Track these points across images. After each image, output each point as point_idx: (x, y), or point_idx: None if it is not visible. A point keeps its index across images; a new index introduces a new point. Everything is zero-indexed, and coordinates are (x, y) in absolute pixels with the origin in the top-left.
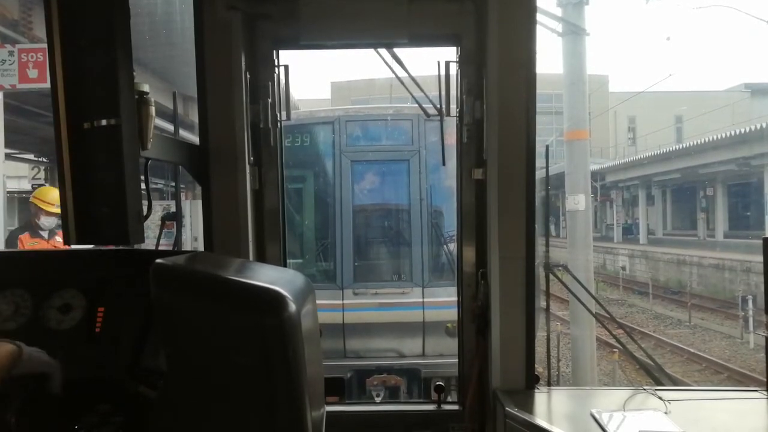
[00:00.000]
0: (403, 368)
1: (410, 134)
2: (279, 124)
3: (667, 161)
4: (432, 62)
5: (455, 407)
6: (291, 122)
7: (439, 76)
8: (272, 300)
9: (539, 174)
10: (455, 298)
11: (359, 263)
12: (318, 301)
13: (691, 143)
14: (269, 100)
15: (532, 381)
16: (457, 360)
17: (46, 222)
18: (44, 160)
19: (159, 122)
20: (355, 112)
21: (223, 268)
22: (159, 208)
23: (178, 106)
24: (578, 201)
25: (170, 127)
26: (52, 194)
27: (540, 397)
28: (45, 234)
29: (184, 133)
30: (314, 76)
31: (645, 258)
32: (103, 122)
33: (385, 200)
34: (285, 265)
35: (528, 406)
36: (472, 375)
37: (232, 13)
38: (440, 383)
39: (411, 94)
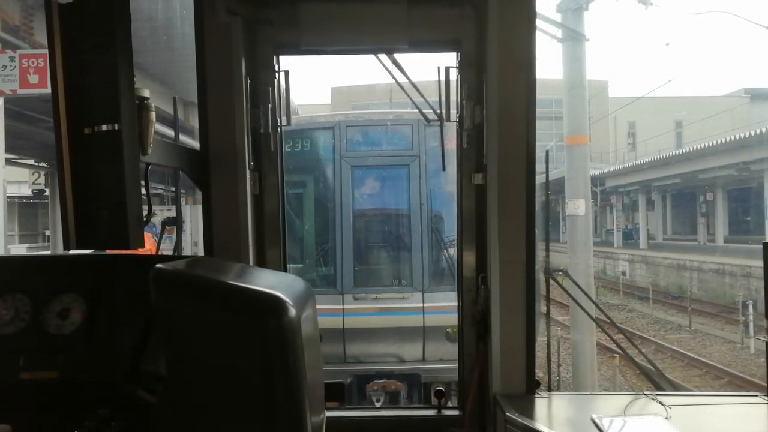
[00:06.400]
0: (403, 373)
1: (410, 139)
2: (279, 129)
3: (666, 166)
4: (432, 68)
5: (455, 412)
6: (291, 127)
7: (439, 81)
8: (272, 305)
9: (539, 179)
10: (455, 303)
11: (359, 268)
12: (318, 306)
13: (691, 148)
14: (269, 105)
15: (532, 386)
16: (457, 365)
17: None
18: (44, 165)
19: (159, 127)
20: (356, 117)
21: (223, 272)
22: (159, 213)
23: (179, 111)
24: (578, 206)
25: (170, 132)
26: None
27: (540, 403)
28: None
29: (184, 138)
30: (314, 82)
31: (645, 263)
32: (104, 127)
33: (385, 205)
34: (285, 270)
35: (528, 411)
36: (473, 380)
37: (233, 18)
38: (440, 388)
39: (411, 99)
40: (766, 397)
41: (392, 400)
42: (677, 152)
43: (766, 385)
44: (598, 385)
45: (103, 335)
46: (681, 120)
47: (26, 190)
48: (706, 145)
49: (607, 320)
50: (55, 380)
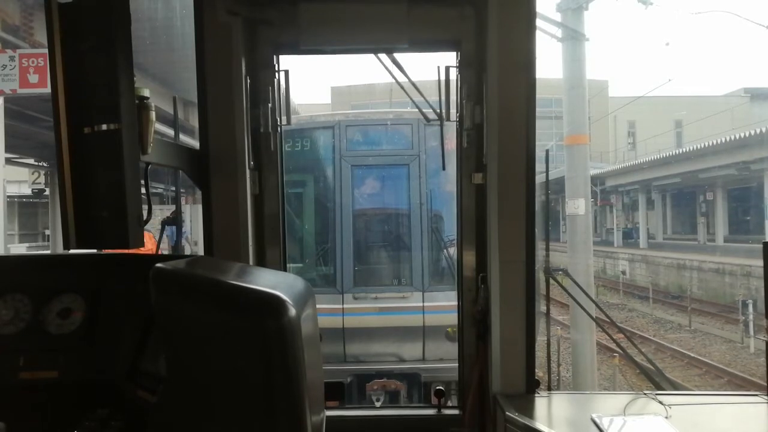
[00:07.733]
0: (403, 373)
1: (410, 139)
2: (279, 128)
3: (666, 166)
4: (432, 67)
5: (455, 412)
6: (291, 127)
7: (439, 80)
8: (272, 304)
9: (539, 178)
10: (455, 303)
11: (359, 268)
12: (318, 306)
13: (691, 148)
14: (269, 105)
15: (532, 385)
16: (457, 364)
17: None
18: (44, 164)
19: (159, 127)
20: (355, 116)
21: (223, 272)
22: (159, 213)
23: (179, 111)
24: (578, 205)
25: (170, 132)
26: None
27: (540, 402)
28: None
29: (184, 138)
30: (314, 81)
31: (645, 262)
32: (104, 127)
33: (385, 205)
34: (285, 270)
35: (528, 410)
36: (473, 379)
37: (233, 18)
38: (440, 388)
39: (411, 98)
40: (766, 397)
41: (392, 399)
42: (677, 152)
43: (766, 384)
44: (598, 384)
45: (103, 335)
46: (681, 119)
47: (26, 190)
48: (706, 144)
49: (607, 320)
50: (54, 380)
